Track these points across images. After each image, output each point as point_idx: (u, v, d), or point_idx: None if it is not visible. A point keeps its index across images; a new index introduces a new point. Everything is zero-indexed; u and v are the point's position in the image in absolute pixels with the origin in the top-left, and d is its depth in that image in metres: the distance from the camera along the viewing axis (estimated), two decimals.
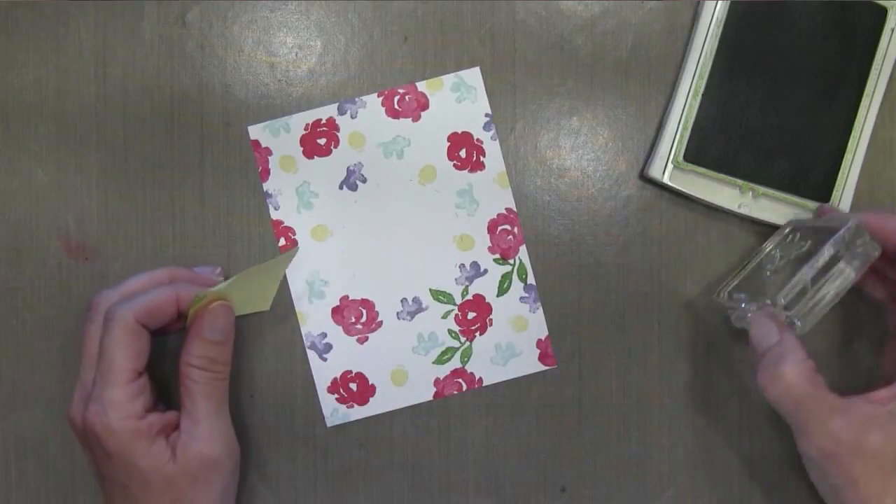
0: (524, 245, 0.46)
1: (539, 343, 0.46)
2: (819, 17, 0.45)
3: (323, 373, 0.46)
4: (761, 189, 0.45)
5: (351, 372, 0.46)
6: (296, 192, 0.46)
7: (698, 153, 0.45)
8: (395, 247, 0.46)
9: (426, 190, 0.46)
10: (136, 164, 0.46)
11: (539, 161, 0.47)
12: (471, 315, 0.46)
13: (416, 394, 0.46)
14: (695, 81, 0.45)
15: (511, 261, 0.46)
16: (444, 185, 0.46)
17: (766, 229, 0.46)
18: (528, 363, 0.46)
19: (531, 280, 0.46)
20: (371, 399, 0.46)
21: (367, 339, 0.46)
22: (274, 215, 0.46)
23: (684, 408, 0.47)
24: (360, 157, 0.46)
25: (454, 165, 0.46)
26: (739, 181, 0.46)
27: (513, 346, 0.46)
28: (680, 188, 0.46)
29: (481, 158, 0.46)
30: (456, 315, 0.46)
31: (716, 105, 0.45)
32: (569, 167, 0.47)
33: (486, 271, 0.46)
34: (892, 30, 0.45)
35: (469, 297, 0.46)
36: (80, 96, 0.45)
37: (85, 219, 0.45)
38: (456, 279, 0.46)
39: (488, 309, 0.46)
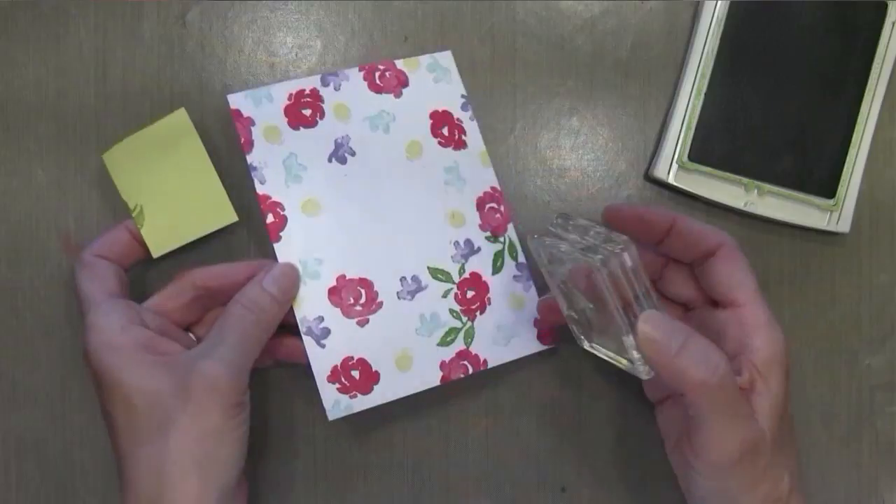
0: (512, 223, 0.46)
1: (536, 322, 0.45)
2: (819, 13, 0.45)
3: (322, 360, 0.42)
4: (767, 187, 0.45)
5: (352, 358, 0.42)
6: (283, 164, 0.43)
7: (703, 152, 0.45)
8: (389, 221, 0.44)
9: (415, 165, 0.45)
10: None
11: (539, 161, 0.47)
12: (470, 293, 0.45)
13: (423, 379, 0.43)
14: (697, 81, 0.45)
15: (501, 238, 0.45)
16: (431, 161, 0.45)
17: (764, 226, 0.46)
18: (528, 343, 0.45)
19: (521, 258, 0.45)
20: (375, 387, 0.42)
21: (367, 321, 0.43)
22: (260, 189, 0.43)
23: None
24: (346, 129, 0.44)
25: (439, 142, 0.45)
26: (745, 179, 0.45)
27: (512, 325, 0.45)
28: (685, 188, 0.45)
29: (462, 137, 0.46)
30: (455, 294, 0.44)
31: (719, 104, 0.45)
32: (569, 167, 0.47)
33: (479, 249, 0.45)
34: (893, 24, 0.45)
35: (466, 274, 0.45)
36: (80, 96, 0.45)
37: (85, 219, 0.45)
38: (452, 256, 0.45)
39: (486, 287, 0.45)
